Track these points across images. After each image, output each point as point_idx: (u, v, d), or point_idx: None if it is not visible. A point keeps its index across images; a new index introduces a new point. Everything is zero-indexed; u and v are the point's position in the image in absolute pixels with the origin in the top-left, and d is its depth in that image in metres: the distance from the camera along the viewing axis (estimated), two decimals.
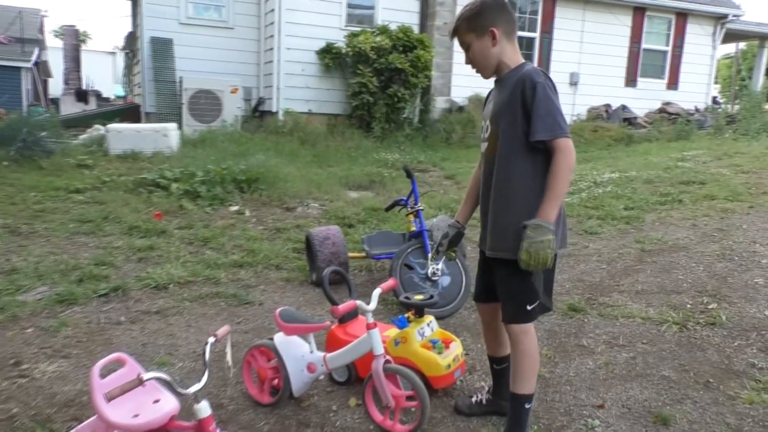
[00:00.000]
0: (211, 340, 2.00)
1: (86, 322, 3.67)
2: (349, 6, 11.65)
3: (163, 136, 9.14)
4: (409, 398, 2.42)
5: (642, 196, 7.19)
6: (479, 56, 2.33)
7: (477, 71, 2.40)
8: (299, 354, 2.62)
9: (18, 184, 7.17)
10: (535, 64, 13.42)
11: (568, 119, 13.66)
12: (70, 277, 4.41)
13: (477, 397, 2.68)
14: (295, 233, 5.79)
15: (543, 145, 2.16)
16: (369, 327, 2.44)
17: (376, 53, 10.53)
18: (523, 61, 2.35)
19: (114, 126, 9.40)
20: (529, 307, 2.27)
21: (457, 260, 4.00)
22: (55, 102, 21.57)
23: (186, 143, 9.55)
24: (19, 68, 20.86)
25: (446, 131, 11.40)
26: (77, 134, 10.78)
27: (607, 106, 13.84)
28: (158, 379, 1.81)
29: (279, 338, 2.68)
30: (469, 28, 2.31)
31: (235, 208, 6.63)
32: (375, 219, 6.30)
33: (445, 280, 3.92)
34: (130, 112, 12.68)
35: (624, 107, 13.86)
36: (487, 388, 2.73)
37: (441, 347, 2.72)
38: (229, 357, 2.15)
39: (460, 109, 11.91)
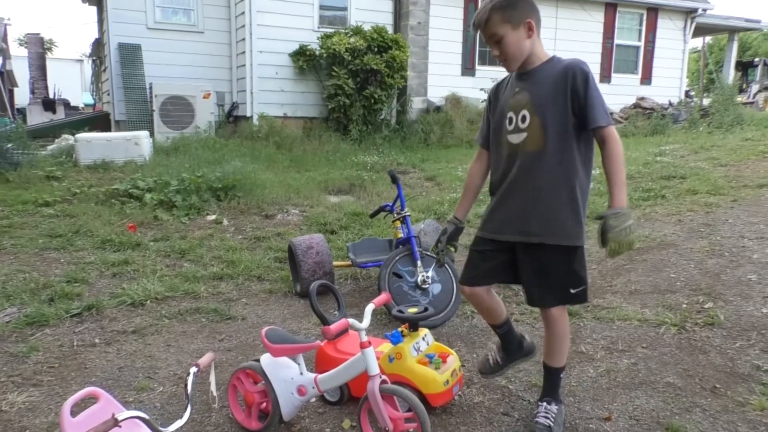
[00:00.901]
0: (194, 370, 1.83)
1: (58, 346, 3.45)
2: (321, 7, 11.49)
3: (134, 144, 8.86)
4: (408, 420, 2.27)
5: None
6: (513, 48, 2.29)
7: (504, 63, 2.35)
8: (288, 376, 2.46)
9: None
10: None
11: None
12: (41, 296, 4.18)
13: (491, 356, 2.73)
14: (276, 242, 5.61)
15: (592, 133, 2.24)
16: (363, 346, 2.28)
17: (351, 54, 10.38)
18: (552, 54, 2.36)
19: (83, 135, 9.09)
20: (573, 291, 2.35)
21: (447, 266, 3.87)
22: (21, 112, 20.98)
23: (159, 151, 9.29)
24: None
25: (424, 132, 11.30)
26: (45, 145, 10.45)
27: None
28: (135, 418, 1.63)
29: (266, 359, 2.51)
30: (505, 20, 2.26)
31: (212, 217, 6.42)
32: (358, 224, 6.15)
33: (436, 288, 3.78)
34: (100, 121, 12.34)
35: None
36: (495, 348, 2.75)
37: (438, 362, 2.58)
38: (213, 387, 1.98)
39: (438, 109, 11.82)
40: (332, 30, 11.10)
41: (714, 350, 3.16)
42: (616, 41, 14.41)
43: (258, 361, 2.53)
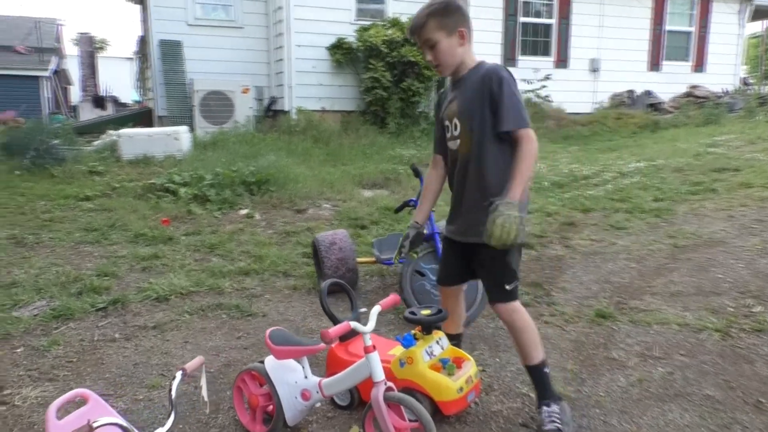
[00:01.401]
0: (179, 375, 1.74)
1: (79, 340, 3.46)
2: (359, 0, 11.37)
3: (174, 139, 8.98)
4: (414, 430, 2.14)
5: (672, 185, 6.80)
6: (446, 55, 2.39)
7: (437, 69, 2.46)
8: (292, 380, 2.36)
9: (29, 193, 7.07)
10: (553, 51, 13.05)
11: (590, 107, 13.22)
12: (70, 289, 4.21)
13: None
14: (305, 236, 5.54)
15: (508, 135, 2.29)
16: (367, 350, 2.16)
17: (388, 47, 10.23)
18: (480, 59, 2.45)
19: (125, 131, 9.27)
20: (507, 287, 2.38)
21: None
22: (75, 109, 21.71)
23: (198, 146, 9.38)
24: (37, 77, 21.09)
25: None
26: (91, 140, 10.71)
27: (631, 92, 13.35)
28: (113, 425, 1.55)
29: (270, 362, 2.41)
30: (440, 27, 2.36)
31: (244, 211, 6.41)
32: (389, 219, 6.02)
33: None
34: (144, 117, 12.58)
35: (648, 92, 13.36)
36: None
37: (452, 368, 2.43)
38: (204, 392, 1.89)
39: None
40: (370, 22, 10.97)
41: (761, 359, 2.90)
42: (667, 27, 13.79)
43: (263, 362, 2.44)
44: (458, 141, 2.44)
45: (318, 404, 2.42)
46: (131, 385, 2.92)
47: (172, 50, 11.16)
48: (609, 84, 13.31)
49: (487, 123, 2.32)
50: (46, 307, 3.92)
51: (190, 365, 1.80)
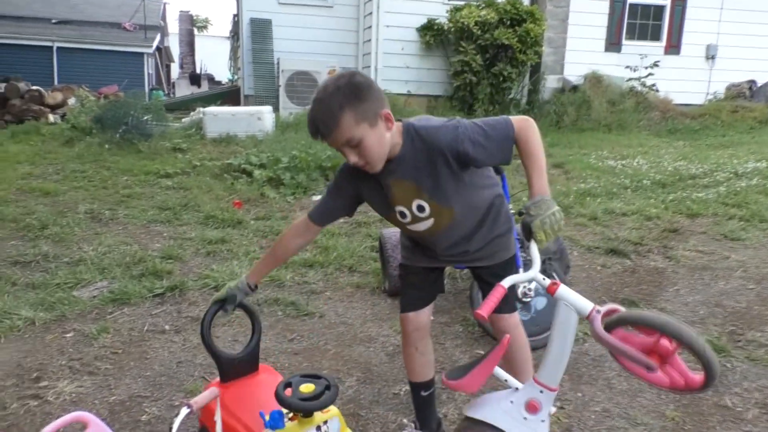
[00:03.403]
0: (184, 411, 1.45)
1: (129, 329, 3.31)
2: None
3: (257, 119, 8.91)
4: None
5: None
6: (376, 148, 1.80)
7: (367, 167, 1.84)
8: (506, 404, 1.79)
9: (114, 168, 7.18)
10: (664, 36, 11.93)
11: (702, 98, 12.03)
12: (132, 271, 4.12)
13: None
14: (376, 228, 5.21)
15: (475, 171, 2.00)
16: (551, 291, 1.67)
17: (481, 28, 9.67)
18: (401, 124, 1.91)
19: (210, 109, 9.30)
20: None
21: (554, 275, 3.21)
22: (174, 85, 22.55)
23: (280, 126, 9.28)
24: (142, 54, 22.00)
25: (557, 113, 10.33)
26: (180, 117, 10.91)
27: (752, 82, 12.01)
28: None
29: (475, 406, 1.84)
30: (359, 119, 1.73)
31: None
32: None
33: (540, 302, 3.15)
34: (232, 95, 12.71)
35: None
36: (413, 425, 2.32)
37: None
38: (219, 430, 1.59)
39: (574, 88, 10.76)
40: (463, 2, 10.43)
41: None
42: None
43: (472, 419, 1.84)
44: (430, 221, 2.00)
45: (554, 409, 1.91)
46: (170, 386, 2.71)
47: (261, 29, 11.12)
48: (726, 73, 12.05)
49: (460, 180, 1.93)
50: (105, 289, 3.82)
51: (199, 400, 1.50)
